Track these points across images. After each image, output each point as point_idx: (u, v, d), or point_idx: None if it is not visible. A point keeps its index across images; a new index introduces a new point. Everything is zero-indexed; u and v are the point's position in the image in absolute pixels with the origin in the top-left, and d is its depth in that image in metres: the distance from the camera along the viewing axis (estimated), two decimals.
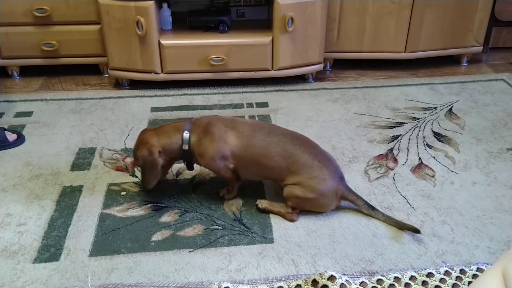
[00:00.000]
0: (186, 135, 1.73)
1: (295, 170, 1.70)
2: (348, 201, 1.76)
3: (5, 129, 2.20)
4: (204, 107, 2.53)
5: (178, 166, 2.01)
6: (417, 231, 1.67)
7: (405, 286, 1.45)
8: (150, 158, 1.72)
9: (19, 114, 2.46)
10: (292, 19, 2.50)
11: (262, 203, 1.78)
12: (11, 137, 2.18)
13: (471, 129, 2.31)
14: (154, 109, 2.50)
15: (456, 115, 2.43)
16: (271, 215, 1.76)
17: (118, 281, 1.50)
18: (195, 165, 1.85)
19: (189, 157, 1.77)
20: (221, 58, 2.59)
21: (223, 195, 1.84)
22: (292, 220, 1.73)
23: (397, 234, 1.67)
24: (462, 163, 2.06)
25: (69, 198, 1.86)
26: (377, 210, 1.73)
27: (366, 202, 1.74)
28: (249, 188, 1.88)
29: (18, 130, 2.26)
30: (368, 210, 1.73)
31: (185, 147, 1.74)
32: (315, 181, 1.68)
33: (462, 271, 1.49)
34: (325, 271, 1.45)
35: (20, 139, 2.21)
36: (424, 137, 2.24)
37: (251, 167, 1.75)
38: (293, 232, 1.69)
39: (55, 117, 2.43)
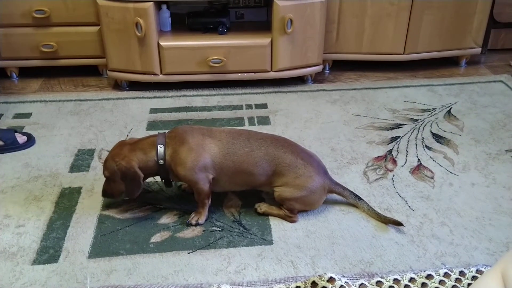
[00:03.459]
0: (160, 148, 1.65)
1: (280, 171, 1.69)
2: (335, 194, 1.78)
3: (15, 131, 2.20)
4: (203, 109, 2.52)
5: None
6: (399, 224, 1.69)
7: None
8: (131, 171, 1.63)
9: (18, 116, 2.46)
10: (291, 20, 2.50)
11: (261, 207, 1.77)
12: (21, 139, 2.18)
13: (470, 130, 2.31)
14: (153, 111, 2.50)
15: (455, 116, 2.43)
16: (270, 217, 1.76)
17: (117, 283, 1.49)
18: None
19: (165, 172, 1.68)
20: (220, 60, 2.59)
21: (196, 222, 1.72)
22: (293, 222, 1.73)
23: (396, 235, 1.67)
24: (461, 164, 2.06)
25: (68, 199, 1.86)
26: (363, 200, 1.77)
27: (352, 192, 1.77)
28: (248, 190, 1.88)
29: (28, 132, 2.25)
30: (355, 200, 1.77)
31: (161, 162, 1.65)
32: (302, 180, 1.68)
33: (461, 273, 1.49)
34: (325, 273, 1.45)
35: (30, 141, 2.20)
36: (423, 139, 2.24)
37: (234, 176, 1.70)
38: (292, 234, 1.69)
39: (54, 119, 2.43)
